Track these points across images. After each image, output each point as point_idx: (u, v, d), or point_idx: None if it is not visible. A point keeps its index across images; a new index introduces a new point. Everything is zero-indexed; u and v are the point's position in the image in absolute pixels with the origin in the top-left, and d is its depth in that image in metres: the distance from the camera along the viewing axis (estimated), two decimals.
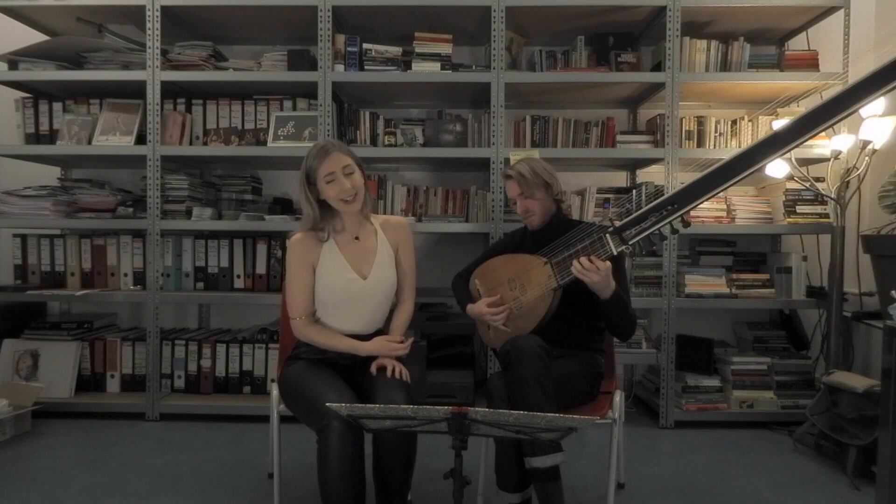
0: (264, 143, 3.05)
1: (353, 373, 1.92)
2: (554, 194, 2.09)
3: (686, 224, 1.88)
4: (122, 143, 3.01)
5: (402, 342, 1.91)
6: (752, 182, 3.24)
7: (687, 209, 1.86)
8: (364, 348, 1.89)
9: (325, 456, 1.64)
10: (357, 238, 1.94)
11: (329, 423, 1.63)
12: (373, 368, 1.86)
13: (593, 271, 1.83)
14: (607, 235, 1.89)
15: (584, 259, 1.85)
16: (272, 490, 1.91)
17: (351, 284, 1.89)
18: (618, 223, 1.90)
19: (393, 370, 1.85)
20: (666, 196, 1.90)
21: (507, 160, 2.91)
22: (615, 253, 1.87)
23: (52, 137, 3.13)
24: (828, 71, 2.97)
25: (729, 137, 3.08)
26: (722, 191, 1.91)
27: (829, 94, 3.11)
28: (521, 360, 1.79)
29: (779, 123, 2.85)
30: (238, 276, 3.10)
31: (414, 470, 1.79)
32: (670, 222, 1.86)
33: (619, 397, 1.93)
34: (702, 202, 1.89)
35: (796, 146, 1.88)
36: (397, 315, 2.00)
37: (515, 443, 1.81)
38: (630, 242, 1.87)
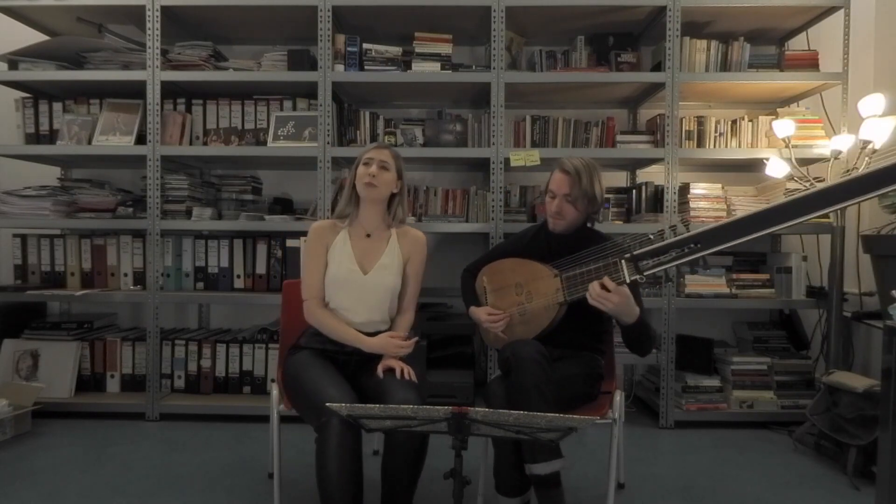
0: (264, 143, 3.05)
1: (349, 369, 1.94)
2: (592, 212, 2.03)
3: (706, 266, 1.80)
4: (122, 143, 3.01)
5: (405, 342, 1.93)
6: (751, 182, 3.24)
7: (709, 251, 1.78)
8: (368, 343, 1.91)
9: (323, 454, 1.65)
10: (369, 235, 2.00)
11: (328, 420, 1.64)
12: (379, 371, 1.87)
13: (606, 298, 1.77)
14: (623, 261, 1.82)
15: (598, 285, 1.78)
16: (272, 490, 1.91)
17: (351, 275, 1.94)
18: (636, 251, 1.83)
19: (402, 372, 1.86)
20: (690, 233, 1.81)
21: (507, 160, 2.91)
22: (628, 281, 1.80)
23: (52, 137, 3.13)
24: (828, 71, 2.97)
25: (729, 137, 3.08)
26: (751, 239, 1.79)
27: (829, 93, 3.12)
28: (520, 368, 1.77)
29: (779, 123, 2.85)
30: (238, 276, 3.10)
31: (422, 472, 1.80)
32: (688, 262, 1.79)
33: (619, 397, 1.93)
34: (726, 247, 1.79)
35: (841, 208, 1.78)
36: (398, 322, 2.02)
37: (515, 448, 1.81)
38: (645, 273, 1.81)
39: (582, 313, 1.99)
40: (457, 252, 3.38)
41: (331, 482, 1.63)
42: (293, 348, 2.01)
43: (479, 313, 2.06)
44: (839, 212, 2.80)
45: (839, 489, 2.24)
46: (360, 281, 1.94)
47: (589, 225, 2.09)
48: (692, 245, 1.79)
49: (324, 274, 1.96)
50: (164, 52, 3.00)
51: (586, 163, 1.99)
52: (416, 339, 1.96)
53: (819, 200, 1.73)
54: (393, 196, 2.02)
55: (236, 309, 3.51)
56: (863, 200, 1.74)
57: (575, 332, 2.02)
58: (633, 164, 3.31)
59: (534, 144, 3.09)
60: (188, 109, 3.15)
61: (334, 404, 1.44)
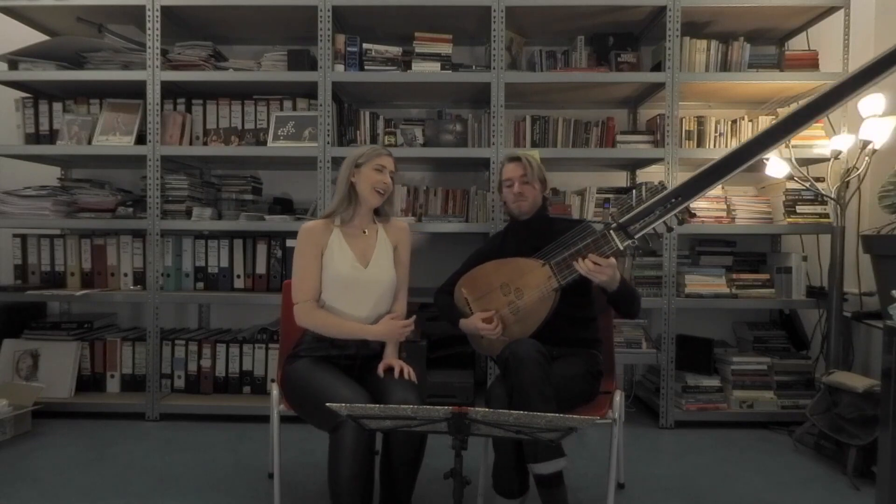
0: (264, 143, 3.05)
1: (353, 372, 1.93)
2: (544, 192, 2.19)
3: (691, 214, 1.91)
4: (122, 143, 3.01)
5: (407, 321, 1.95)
6: (752, 182, 3.24)
7: (691, 201, 1.89)
8: (373, 331, 1.91)
9: (338, 453, 1.64)
10: (365, 232, 2.02)
11: (344, 420, 1.63)
12: (380, 370, 1.87)
13: (599, 271, 1.84)
14: (611, 231, 1.88)
15: (589, 260, 1.85)
16: (272, 490, 1.91)
17: (354, 271, 1.94)
18: (621, 219, 1.89)
19: (401, 371, 1.86)
20: (669, 190, 1.91)
21: None
22: (621, 248, 1.86)
23: (52, 137, 3.13)
24: (828, 71, 2.97)
25: (729, 137, 3.08)
26: (723, 182, 1.96)
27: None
28: (519, 368, 1.78)
29: None
30: (238, 276, 3.10)
31: (419, 471, 1.80)
32: (675, 214, 1.88)
33: (619, 397, 1.93)
34: (705, 194, 1.94)
35: (794, 135, 1.95)
36: (392, 308, 2.03)
37: (515, 449, 1.81)
38: (636, 236, 1.87)
39: (572, 305, 2.00)
40: (457, 252, 3.36)
41: (344, 483, 1.63)
42: (291, 357, 1.98)
43: (473, 322, 2.05)
44: (839, 212, 2.80)
45: (839, 489, 2.24)
46: (363, 277, 1.94)
47: (549, 209, 2.26)
48: (673, 200, 1.88)
49: (318, 274, 1.95)
50: (164, 52, 3.00)
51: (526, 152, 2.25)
52: (414, 317, 1.99)
53: (779, 130, 1.95)
54: None
55: (236, 309, 3.51)
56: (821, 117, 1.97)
57: (570, 326, 2.03)
58: (633, 164, 3.31)
59: (534, 144, 3.09)
60: (188, 109, 3.15)
61: (333, 404, 1.44)
